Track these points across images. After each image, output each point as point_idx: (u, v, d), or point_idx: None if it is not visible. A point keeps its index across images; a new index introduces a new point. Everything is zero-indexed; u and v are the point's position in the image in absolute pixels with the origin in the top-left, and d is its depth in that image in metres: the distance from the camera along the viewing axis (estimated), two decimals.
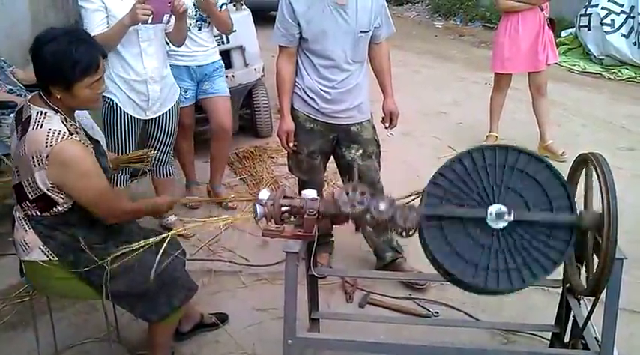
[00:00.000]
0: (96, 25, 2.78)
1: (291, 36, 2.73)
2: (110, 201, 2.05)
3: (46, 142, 1.88)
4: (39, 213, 2.01)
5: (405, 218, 1.84)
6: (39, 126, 1.91)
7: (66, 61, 1.89)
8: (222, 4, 3.47)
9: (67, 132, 1.91)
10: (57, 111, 1.96)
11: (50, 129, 1.89)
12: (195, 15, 3.35)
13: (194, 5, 3.31)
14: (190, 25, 3.29)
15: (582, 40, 7.21)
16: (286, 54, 2.80)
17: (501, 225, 1.81)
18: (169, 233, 2.10)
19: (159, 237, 2.08)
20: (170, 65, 3.25)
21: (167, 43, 3.22)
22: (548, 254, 1.80)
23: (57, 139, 1.88)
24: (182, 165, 3.81)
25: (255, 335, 2.64)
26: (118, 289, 2.08)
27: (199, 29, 3.39)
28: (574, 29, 7.46)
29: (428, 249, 1.87)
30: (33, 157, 1.90)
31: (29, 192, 1.97)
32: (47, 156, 1.88)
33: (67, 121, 1.96)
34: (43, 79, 1.95)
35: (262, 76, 4.57)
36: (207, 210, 3.73)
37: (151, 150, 2.60)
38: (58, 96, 1.94)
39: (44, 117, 1.93)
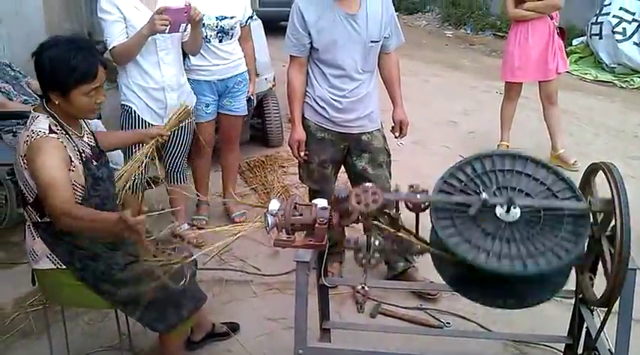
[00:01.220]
0: (116, 36, 2.84)
1: (302, 46, 2.75)
2: (55, 196, 1.86)
3: (25, 142, 1.92)
4: (39, 219, 2.02)
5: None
6: (27, 129, 1.96)
7: (63, 67, 1.92)
8: (249, 18, 3.47)
9: (47, 132, 1.94)
10: (49, 116, 1.98)
11: (33, 130, 1.94)
12: (216, 27, 3.28)
13: (216, 18, 3.25)
14: (211, 37, 3.27)
15: (594, 48, 7.19)
16: (297, 63, 2.82)
17: (511, 218, 1.78)
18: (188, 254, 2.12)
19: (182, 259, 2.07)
20: (192, 80, 3.27)
21: (187, 57, 3.25)
22: (562, 244, 1.75)
23: (32, 138, 1.92)
24: (195, 182, 3.67)
25: (267, 344, 2.64)
26: (125, 297, 2.09)
27: (220, 41, 3.31)
28: (585, 37, 7.43)
29: (439, 238, 1.81)
30: (20, 158, 1.95)
31: (27, 195, 2.00)
32: (24, 156, 1.93)
33: (55, 125, 1.99)
34: (43, 85, 1.99)
35: (273, 86, 4.60)
36: (216, 222, 3.74)
37: (186, 104, 2.68)
38: (57, 103, 1.97)
39: (34, 121, 1.97)
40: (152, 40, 2.90)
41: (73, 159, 1.99)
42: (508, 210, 1.78)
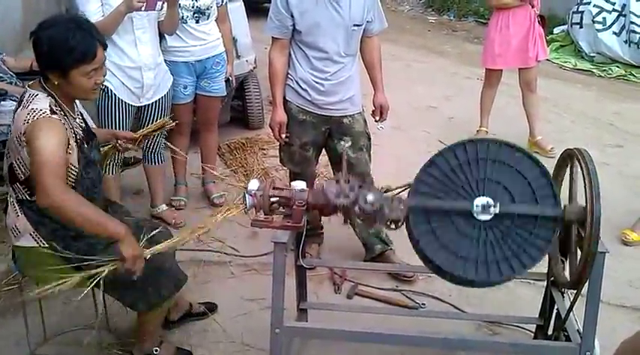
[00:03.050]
0: (92, 14, 2.80)
1: (284, 27, 2.74)
2: (47, 180, 1.84)
3: (25, 120, 1.90)
4: (28, 197, 2.01)
5: (393, 209, 1.87)
6: (25, 107, 1.93)
7: (61, 47, 1.90)
8: None
9: (48, 112, 1.92)
10: (49, 95, 1.97)
11: (33, 109, 1.91)
12: (193, 7, 3.24)
13: None
14: (187, 17, 3.24)
15: (574, 37, 7.25)
16: (279, 45, 2.81)
17: (487, 217, 1.84)
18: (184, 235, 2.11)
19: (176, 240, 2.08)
20: (169, 62, 3.24)
21: (164, 38, 3.21)
22: (535, 243, 1.84)
23: (34, 117, 1.90)
24: (173, 163, 3.66)
25: (244, 324, 2.66)
26: (107, 278, 2.08)
27: (197, 22, 3.28)
28: (566, 26, 7.49)
29: (417, 245, 1.90)
30: (17, 137, 1.92)
31: (19, 173, 1.98)
32: (24, 134, 1.90)
33: (55, 105, 1.97)
34: (41, 65, 1.96)
35: (254, 68, 4.57)
36: (195, 204, 3.73)
37: (169, 118, 2.60)
38: (56, 83, 1.96)
39: (33, 99, 1.95)
40: (129, 18, 2.88)
41: (70, 141, 1.97)
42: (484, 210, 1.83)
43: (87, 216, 1.89)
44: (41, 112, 1.90)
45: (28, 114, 1.90)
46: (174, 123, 2.62)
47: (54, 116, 1.93)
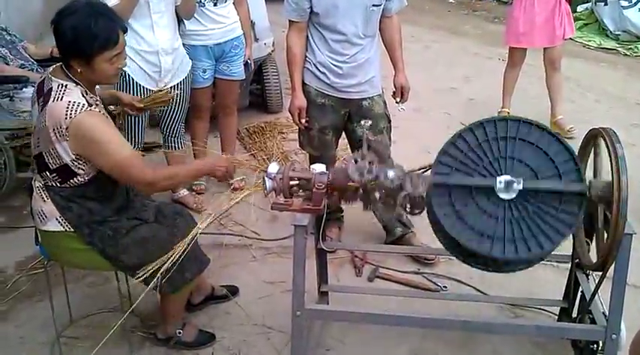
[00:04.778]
0: None
1: (302, 10, 2.71)
2: (135, 171, 2.00)
3: (66, 114, 1.90)
4: (58, 184, 2.04)
5: (415, 186, 1.84)
6: (59, 99, 1.93)
7: (84, 35, 1.91)
8: None
9: (86, 104, 1.94)
10: (77, 84, 1.98)
11: (70, 102, 1.92)
12: None
13: None
14: (205, 1, 3.23)
15: (599, 15, 7.07)
16: (297, 29, 2.78)
17: (511, 195, 1.81)
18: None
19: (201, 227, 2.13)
20: (188, 45, 3.24)
21: (182, 22, 3.21)
22: (562, 218, 1.80)
23: (76, 111, 1.91)
24: (193, 147, 3.62)
25: (265, 307, 2.68)
26: (132, 261, 2.12)
27: (215, 5, 3.28)
28: (590, 4, 7.31)
29: (440, 226, 1.87)
30: (54, 129, 1.93)
31: (50, 163, 2.00)
32: (67, 128, 1.91)
33: (86, 94, 1.99)
34: (64, 53, 1.97)
35: (272, 51, 4.55)
36: (215, 188, 3.74)
37: (171, 89, 2.72)
38: (79, 70, 1.96)
39: (64, 90, 1.95)
40: (145, 2, 2.88)
41: None
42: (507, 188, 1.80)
43: (180, 179, 2.34)
44: (80, 105, 1.92)
45: (67, 107, 1.90)
46: (173, 94, 2.64)
47: (92, 108, 1.95)
